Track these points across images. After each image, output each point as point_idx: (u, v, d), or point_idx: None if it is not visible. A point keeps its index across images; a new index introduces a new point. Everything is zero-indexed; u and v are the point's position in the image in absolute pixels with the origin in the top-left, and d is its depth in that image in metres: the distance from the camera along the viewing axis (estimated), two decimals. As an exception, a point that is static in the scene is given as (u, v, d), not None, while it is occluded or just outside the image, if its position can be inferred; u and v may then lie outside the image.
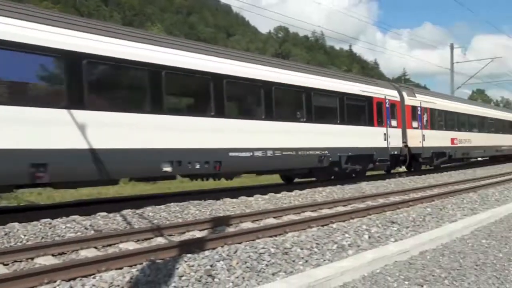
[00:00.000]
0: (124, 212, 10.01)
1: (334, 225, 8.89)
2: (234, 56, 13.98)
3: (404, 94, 21.44)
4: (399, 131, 20.37)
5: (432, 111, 23.49)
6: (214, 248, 6.81)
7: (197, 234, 8.50)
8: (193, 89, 13.11)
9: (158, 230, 8.32)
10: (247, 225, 9.35)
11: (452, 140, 25.35)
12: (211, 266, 5.90)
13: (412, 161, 22.01)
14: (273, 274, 6.00)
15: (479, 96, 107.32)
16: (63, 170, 9.34)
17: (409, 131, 21.04)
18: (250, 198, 12.88)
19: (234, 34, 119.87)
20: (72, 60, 9.62)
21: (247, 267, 6.06)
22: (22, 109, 8.80)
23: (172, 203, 11.18)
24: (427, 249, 7.45)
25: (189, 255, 6.32)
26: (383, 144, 19.16)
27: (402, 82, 77.97)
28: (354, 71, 68.76)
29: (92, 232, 8.41)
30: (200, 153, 11.86)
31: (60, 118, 9.30)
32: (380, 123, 19.15)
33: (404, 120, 20.86)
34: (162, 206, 10.78)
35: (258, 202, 12.43)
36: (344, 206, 12.01)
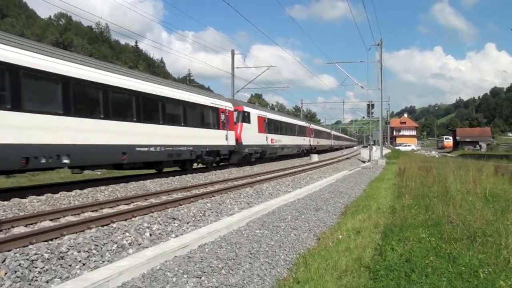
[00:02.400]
0: None
1: (115, 225, 8.57)
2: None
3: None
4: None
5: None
6: (-22, 260, 5.96)
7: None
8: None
9: None
10: (19, 229, 8.43)
11: None
12: (-27, 281, 5.19)
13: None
14: (47, 282, 5.59)
15: (257, 100, 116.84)
16: None
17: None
18: (24, 200, 11.75)
19: (8, 15, 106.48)
20: None
21: (17, 277, 5.51)
22: None
23: None
24: (206, 242, 7.64)
25: None
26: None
27: (187, 82, 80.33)
28: (140, 68, 67.62)
29: None
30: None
31: None
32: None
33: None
34: None
35: (34, 204, 11.37)
36: (127, 204, 11.69)
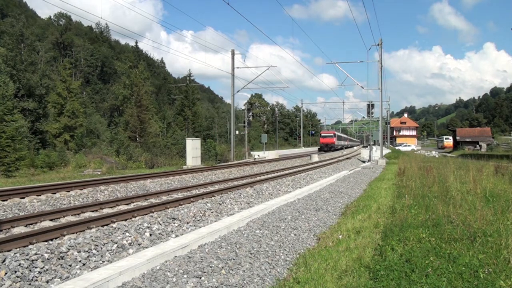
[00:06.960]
0: None
1: (115, 225, 8.57)
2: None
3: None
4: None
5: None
6: (-22, 260, 5.98)
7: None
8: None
9: None
10: (19, 229, 8.45)
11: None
12: (-26, 281, 5.21)
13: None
14: (47, 282, 5.59)
15: (257, 100, 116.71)
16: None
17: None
18: (24, 200, 11.74)
19: (8, 15, 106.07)
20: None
21: (17, 277, 5.52)
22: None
23: None
24: (206, 242, 7.64)
25: None
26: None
27: (187, 82, 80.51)
28: (140, 68, 67.69)
29: None
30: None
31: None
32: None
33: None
34: None
35: (33, 204, 11.37)
36: (127, 204, 11.69)
